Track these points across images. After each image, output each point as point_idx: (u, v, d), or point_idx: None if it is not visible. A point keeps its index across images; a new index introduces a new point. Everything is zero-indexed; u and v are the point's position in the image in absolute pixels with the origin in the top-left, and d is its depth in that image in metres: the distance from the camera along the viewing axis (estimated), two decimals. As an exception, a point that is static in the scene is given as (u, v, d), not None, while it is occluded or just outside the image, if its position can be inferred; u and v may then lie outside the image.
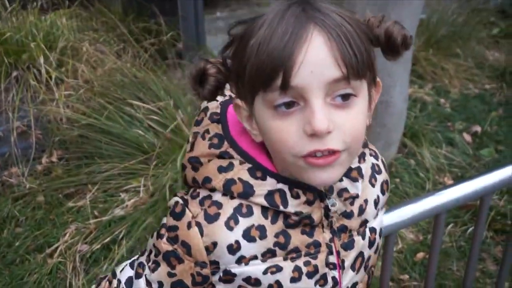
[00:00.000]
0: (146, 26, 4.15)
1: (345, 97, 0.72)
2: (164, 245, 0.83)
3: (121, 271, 0.94)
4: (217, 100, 0.88)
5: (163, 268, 0.85)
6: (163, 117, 3.02)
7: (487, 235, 2.75)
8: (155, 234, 0.87)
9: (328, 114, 0.70)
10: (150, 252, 0.88)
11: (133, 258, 0.95)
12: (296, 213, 0.81)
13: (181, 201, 0.83)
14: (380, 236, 0.96)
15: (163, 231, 0.84)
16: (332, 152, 0.72)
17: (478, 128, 3.85)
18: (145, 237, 2.46)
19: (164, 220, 0.86)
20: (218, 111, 0.87)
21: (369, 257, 0.93)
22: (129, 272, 0.93)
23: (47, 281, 2.34)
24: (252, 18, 0.76)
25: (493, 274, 2.49)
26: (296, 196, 0.81)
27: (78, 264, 2.39)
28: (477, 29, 5.34)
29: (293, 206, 0.80)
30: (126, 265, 0.94)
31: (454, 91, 4.43)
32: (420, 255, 2.59)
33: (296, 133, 0.72)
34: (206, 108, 0.88)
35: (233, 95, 0.84)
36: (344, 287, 0.90)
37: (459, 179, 3.14)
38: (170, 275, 0.85)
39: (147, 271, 0.88)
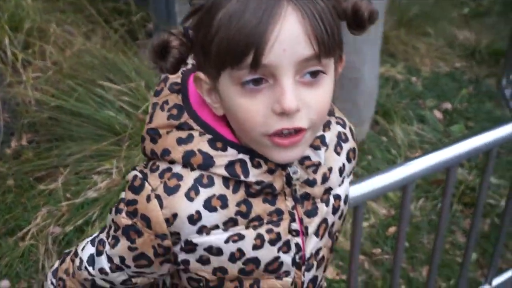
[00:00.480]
0: (116, 6, 4.06)
1: (314, 74, 0.73)
2: (123, 220, 0.83)
3: (82, 249, 0.94)
4: None
5: (123, 243, 0.84)
6: (134, 98, 2.99)
7: (457, 208, 2.82)
8: (113, 209, 0.86)
9: (297, 92, 0.71)
10: (110, 227, 0.88)
11: (94, 235, 0.94)
12: (257, 183, 0.80)
13: (140, 175, 0.82)
14: (345, 202, 0.96)
15: (121, 205, 0.84)
16: (298, 131, 0.73)
17: (448, 105, 3.91)
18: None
19: (123, 195, 0.85)
20: (179, 80, 0.85)
21: (333, 223, 0.94)
22: (91, 250, 0.93)
23: (19, 264, 2.31)
24: None
25: (462, 246, 2.56)
26: (258, 166, 0.80)
27: (51, 246, 2.37)
28: (447, 8, 5.39)
29: (254, 175, 0.80)
30: (87, 242, 0.94)
31: (425, 70, 4.48)
32: (392, 229, 2.64)
33: (264, 112, 0.72)
34: (166, 78, 0.86)
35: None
36: (308, 253, 0.90)
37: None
38: (131, 249, 0.84)
39: (107, 247, 0.88)
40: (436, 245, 1.82)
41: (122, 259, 0.86)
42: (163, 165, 0.81)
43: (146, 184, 0.80)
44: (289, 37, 0.68)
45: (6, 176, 2.79)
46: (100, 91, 3.02)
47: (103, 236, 0.91)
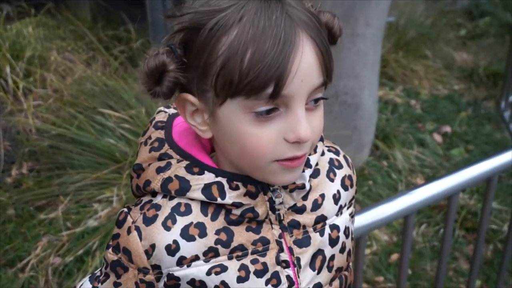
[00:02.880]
0: (116, 33, 4.11)
1: (317, 100, 0.73)
2: (110, 255, 0.82)
3: (80, 286, 0.93)
4: (165, 112, 0.87)
5: (111, 279, 0.84)
6: (135, 125, 2.99)
7: (459, 234, 2.80)
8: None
9: (307, 120, 0.71)
10: (103, 265, 0.87)
11: (94, 272, 0.94)
12: (235, 204, 0.78)
13: (126, 210, 0.82)
14: (346, 235, 0.91)
15: (110, 241, 0.84)
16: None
17: (448, 129, 3.92)
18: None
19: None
20: (165, 119, 0.85)
21: (332, 256, 0.88)
22: (88, 286, 0.92)
23: (19, 296, 2.29)
24: (211, 5, 0.69)
25: (465, 273, 2.54)
26: (236, 188, 0.78)
27: (51, 278, 2.35)
28: (445, 30, 5.45)
29: (232, 197, 0.77)
30: (87, 279, 0.93)
31: (424, 92, 4.51)
32: (395, 256, 2.62)
33: (276, 139, 0.71)
34: (153, 119, 0.87)
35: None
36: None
37: (430, 179, 3.19)
38: (116, 284, 0.83)
39: (99, 284, 0.87)
40: (439, 273, 1.80)
41: None
42: (145, 199, 0.82)
43: (128, 217, 0.80)
44: (306, 67, 0.68)
45: (6, 206, 2.78)
46: (100, 119, 3.03)
47: (98, 273, 0.90)
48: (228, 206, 0.78)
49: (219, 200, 0.77)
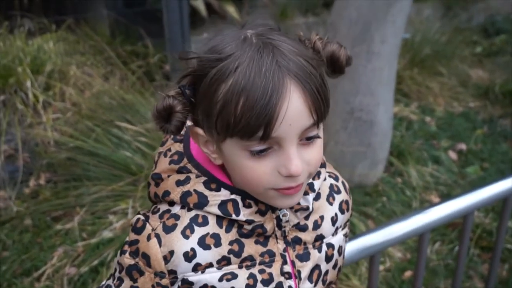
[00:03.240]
0: (134, 48, 4.18)
1: (311, 138, 0.80)
2: (127, 260, 0.87)
3: None
4: None
5: (126, 283, 0.88)
6: (150, 139, 3.03)
7: (474, 252, 2.78)
8: (118, 252, 0.91)
9: (299, 154, 0.78)
10: (115, 270, 0.92)
11: (102, 283, 0.97)
12: (247, 221, 0.86)
13: (142, 217, 0.88)
14: (339, 253, 1.00)
15: (125, 247, 0.88)
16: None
17: (463, 146, 3.91)
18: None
19: (127, 238, 0.90)
20: (182, 132, 0.90)
21: (326, 272, 0.97)
22: None
23: (34, 306, 2.32)
24: (215, 52, 0.77)
25: (480, 292, 2.52)
26: (248, 206, 0.86)
27: (66, 288, 2.38)
28: (460, 48, 5.44)
29: (245, 215, 0.85)
30: None
31: (439, 109, 4.50)
32: (408, 273, 2.61)
33: (271, 173, 0.79)
34: None
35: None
36: None
37: (445, 197, 3.17)
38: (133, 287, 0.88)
39: None
40: (454, 292, 1.79)
41: None
42: (163, 207, 0.88)
43: (147, 225, 0.86)
44: (294, 112, 0.75)
45: (24, 216, 2.83)
46: (117, 132, 3.08)
47: (110, 282, 0.94)
48: (240, 221, 0.86)
49: (233, 217, 0.85)
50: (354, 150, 3.12)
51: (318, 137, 0.81)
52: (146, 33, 4.07)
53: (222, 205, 0.85)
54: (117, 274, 0.90)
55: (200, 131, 0.82)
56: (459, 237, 2.81)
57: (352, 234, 1.43)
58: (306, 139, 0.79)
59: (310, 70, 0.77)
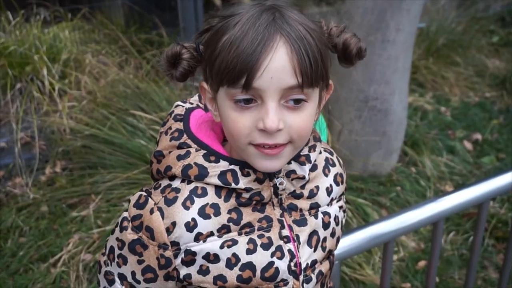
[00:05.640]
0: (148, 37, 4.19)
1: (297, 101, 0.83)
2: (129, 235, 0.90)
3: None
4: (183, 106, 0.99)
5: (132, 258, 0.91)
6: (165, 127, 3.05)
7: (489, 243, 2.76)
8: (116, 230, 0.93)
9: (280, 114, 0.81)
10: (111, 250, 0.94)
11: (101, 268, 0.99)
12: (246, 189, 0.89)
13: (144, 193, 0.92)
14: (336, 223, 1.03)
15: (125, 223, 0.91)
16: (278, 145, 0.84)
17: (479, 136, 3.87)
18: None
19: (125, 214, 0.92)
20: (182, 113, 0.96)
21: (325, 238, 1.00)
22: (103, 284, 0.98)
23: (51, 291, 2.36)
24: (228, 12, 0.84)
25: (494, 282, 2.50)
26: (247, 175, 0.90)
27: (82, 273, 2.41)
28: (476, 37, 5.37)
29: (244, 183, 0.89)
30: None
31: (454, 99, 4.46)
32: (422, 263, 2.60)
33: (250, 126, 0.83)
34: (172, 112, 0.98)
35: (200, 104, 0.99)
36: (303, 262, 0.96)
37: (460, 187, 3.15)
38: (139, 262, 0.91)
39: (115, 269, 0.94)
40: (468, 281, 1.79)
41: (133, 273, 0.92)
42: (164, 183, 0.92)
43: (150, 199, 0.90)
44: (276, 67, 0.79)
45: (40, 203, 2.87)
46: (132, 120, 3.10)
47: (108, 268, 0.96)
48: (239, 190, 0.90)
49: (233, 185, 0.89)
50: (369, 139, 3.10)
51: (305, 101, 0.83)
52: (161, 22, 4.07)
53: (222, 175, 0.89)
54: (117, 252, 0.93)
55: (205, 85, 0.89)
56: (473, 227, 2.79)
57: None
58: (293, 102, 0.82)
59: (305, 36, 0.80)
